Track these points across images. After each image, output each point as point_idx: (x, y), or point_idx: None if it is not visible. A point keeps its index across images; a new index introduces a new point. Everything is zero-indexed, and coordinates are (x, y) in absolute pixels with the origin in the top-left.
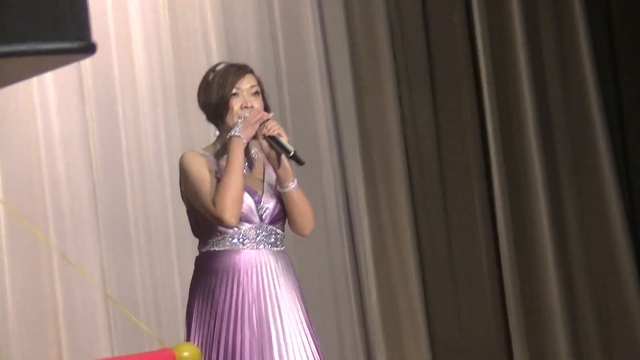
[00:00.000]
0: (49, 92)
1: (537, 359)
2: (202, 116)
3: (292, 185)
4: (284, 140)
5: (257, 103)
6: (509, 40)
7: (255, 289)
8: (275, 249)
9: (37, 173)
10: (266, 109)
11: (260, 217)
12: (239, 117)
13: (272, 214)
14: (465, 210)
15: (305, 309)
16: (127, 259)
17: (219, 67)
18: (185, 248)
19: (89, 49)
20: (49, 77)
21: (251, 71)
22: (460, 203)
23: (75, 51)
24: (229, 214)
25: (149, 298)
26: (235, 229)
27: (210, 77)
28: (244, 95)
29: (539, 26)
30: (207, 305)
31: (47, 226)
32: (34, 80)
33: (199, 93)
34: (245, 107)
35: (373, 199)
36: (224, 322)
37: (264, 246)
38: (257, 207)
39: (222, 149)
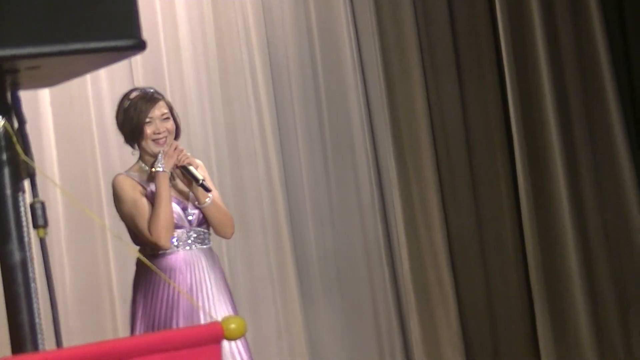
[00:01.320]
0: (102, 85)
1: (558, 321)
2: (243, 104)
3: (207, 202)
4: (193, 169)
5: (168, 127)
6: (529, 27)
7: (188, 284)
8: (204, 246)
9: (92, 162)
10: (177, 129)
11: (189, 222)
12: (159, 152)
13: (198, 218)
14: (489, 185)
15: (232, 300)
16: None
17: (132, 95)
18: (238, 237)
19: (140, 46)
20: (102, 71)
21: (162, 98)
22: (485, 179)
23: (127, 49)
24: (163, 240)
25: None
26: None
27: (126, 105)
28: (156, 123)
29: (557, 13)
30: (148, 300)
31: (102, 210)
32: (88, 74)
33: (117, 116)
34: (157, 132)
35: (403, 177)
36: (162, 313)
37: (195, 246)
38: (185, 213)
39: (146, 170)
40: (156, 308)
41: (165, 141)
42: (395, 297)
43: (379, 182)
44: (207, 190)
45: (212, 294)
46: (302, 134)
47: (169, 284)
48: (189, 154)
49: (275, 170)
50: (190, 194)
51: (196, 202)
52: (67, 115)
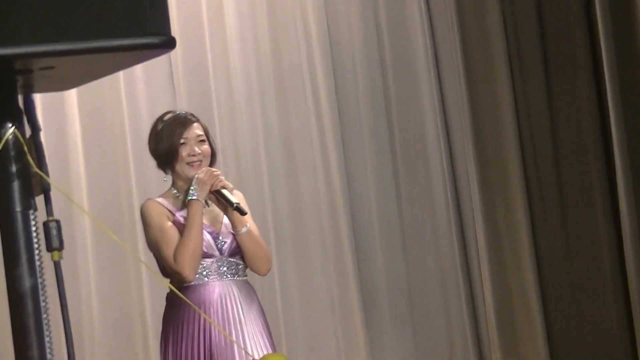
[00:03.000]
0: (137, 85)
1: None
2: (301, 108)
3: (243, 230)
4: (227, 193)
5: (204, 150)
6: (634, 17)
7: (220, 318)
8: (237, 278)
9: (124, 172)
10: (213, 153)
11: (220, 250)
12: (193, 176)
13: (230, 247)
14: (585, 206)
15: (271, 336)
16: None
17: (166, 117)
18: (284, 248)
19: (169, 44)
20: (137, 70)
21: (197, 120)
22: (580, 198)
23: (153, 47)
24: (187, 270)
25: None
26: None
27: (159, 127)
28: (191, 144)
29: None
30: (179, 336)
31: (135, 228)
32: (121, 74)
33: (149, 141)
34: (193, 154)
35: (486, 195)
36: (193, 350)
37: (227, 277)
38: (215, 242)
39: (179, 197)
40: (187, 344)
41: (200, 165)
42: (474, 334)
43: (457, 202)
44: (242, 213)
45: (247, 329)
46: (368, 143)
47: (201, 318)
48: (223, 177)
49: (338, 185)
50: (225, 222)
51: (231, 230)
52: (97, 121)
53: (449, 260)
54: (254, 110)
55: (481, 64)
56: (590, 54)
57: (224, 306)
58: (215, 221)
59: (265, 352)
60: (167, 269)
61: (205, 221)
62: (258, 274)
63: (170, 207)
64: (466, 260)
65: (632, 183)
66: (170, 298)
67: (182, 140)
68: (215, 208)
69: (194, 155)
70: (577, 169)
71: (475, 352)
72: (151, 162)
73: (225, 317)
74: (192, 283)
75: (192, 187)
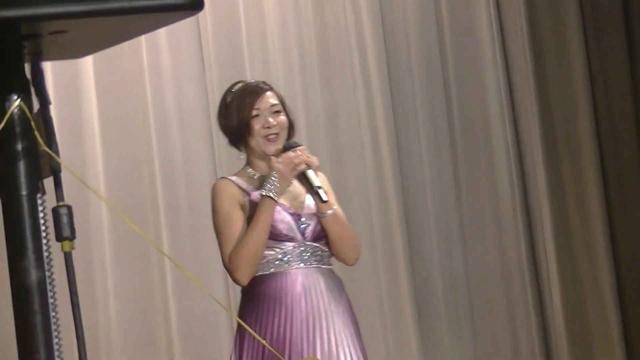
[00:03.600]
0: (162, 57)
1: None
2: (349, 85)
3: (329, 213)
4: (311, 173)
5: (280, 121)
6: None
7: (303, 312)
8: (323, 266)
9: (147, 155)
10: (291, 125)
11: (302, 234)
12: (273, 152)
13: (314, 231)
14: None
15: (360, 337)
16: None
17: (235, 88)
18: None
19: (196, 4)
20: (162, 39)
21: (270, 88)
22: None
23: (177, 8)
24: (239, 273)
25: None
26: (277, 249)
27: (228, 100)
28: (265, 116)
29: None
30: (256, 332)
31: (158, 218)
32: (143, 42)
33: (219, 116)
34: (268, 127)
35: (556, 183)
36: (273, 347)
37: (311, 264)
38: (297, 224)
39: (255, 177)
40: (267, 342)
41: (277, 138)
42: (542, 339)
43: (523, 190)
44: (321, 200)
45: (334, 326)
46: (424, 124)
47: (281, 313)
48: (308, 153)
49: (388, 170)
50: (307, 202)
51: (316, 212)
52: (116, 96)
53: (513, 256)
54: (294, 86)
55: (550, 35)
56: None
57: (308, 298)
58: (296, 201)
59: (352, 355)
60: (223, 264)
61: (284, 201)
62: (345, 263)
63: (245, 186)
64: (533, 255)
65: None
66: (246, 291)
67: (254, 112)
68: (296, 186)
69: (269, 128)
70: None
71: (542, 357)
72: (177, 143)
73: (310, 310)
74: (271, 270)
75: (270, 179)
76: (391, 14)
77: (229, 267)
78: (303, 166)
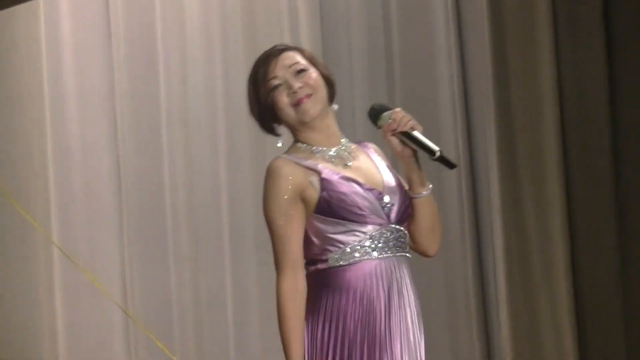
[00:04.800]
0: (62, 27)
1: None
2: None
3: (424, 193)
4: (422, 136)
5: (307, 80)
6: None
7: (384, 306)
8: (405, 254)
9: (38, 143)
10: (329, 82)
11: (387, 215)
12: (307, 117)
13: (399, 211)
14: None
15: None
16: (159, 264)
17: (253, 67)
18: (243, 251)
19: None
20: (63, 6)
21: (286, 49)
22: (638, 200)
23: None
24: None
25: (188, 320)
26: (360, 233)
27: (248, 84)
28: (286, 81)
29: None
30: (334, 331)
31: (49, 214)
32: (41, 8)
33: (248, 104)
34: (293, 92)
35: (511, 194)
36: (356, 352)
37: (394, 251)
38: (380, 204)
39: (314, 151)
40: (349, 345)
41: (309, 98)
42: None
43: (474, 200)
44: (451, 165)
45: (417, 325)
46: (362, 120)
47: (363, 308)
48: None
49: None
50: (386, 179)
51: (408, 190)
52: (7, 68)
53: (459, 275)
54: (214, 69)
55: (514, 18)
56: None
57: (392, 291)
58: (370, 177)
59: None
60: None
61: (358, 177)
62: (425, 254)
63: (309, 162)
64: (481, 275)
65: None
66: (316, 279)
67: (273, 83)
68: (362, 162)
69: (294, 93)
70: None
71: None
72: (74, 125)
73: (394, 305)
74: (353, 260)
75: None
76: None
77: (277, 276)
78: (410, 124)
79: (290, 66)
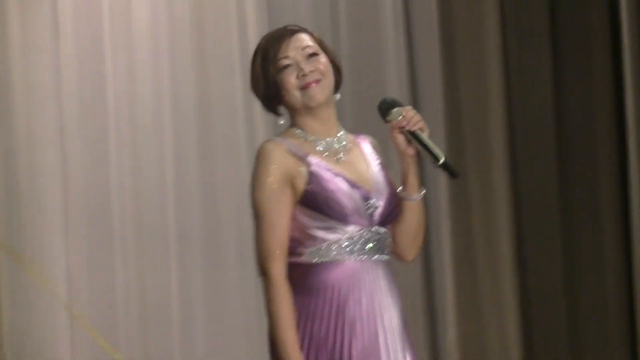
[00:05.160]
0: (9, 28)
1: None
2: (224, 70)
3: (416, 197)
4: (429, 140)
5: (318, 65)
6: None
7: (363, 312)
8: (384, 257)
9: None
10: (337, 69)
11: (370, 216)
12: (315, 103)
13: (383, 213)
14: (590, 214)
15: (412, 348)
16: (105, 263)
17: (259, 42)
18: (189, 251)
19: None
20: (11, 8)
21: (300, 30)
22: (584, 205)
23: None
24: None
25: (134, 320)
26: (341, 232)
27: (254, 60)
28: (297, 62)
29: None
30: (301, 331)
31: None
32: None
33: (251, 80)
34: (303, 75)
35: (459, 195)
36: (344, 346)
37: (373, 254)
38: (365, 204)
39: (308, 139)
40: (319, 350)
41: (318, 83)
42: None
43: (421, 202)
44: (454, 174)
45: (396, 334)
46: None
47: (338, 314)
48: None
49: None
50: (373, 176)
51: (399, 191)
52: None
53: (406, 281)
54: (161, 67)
55: (464, 20)
56: (609, 19)
57: (369, 295)
58: (360, 174)
59: None
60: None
61: (347, 172)
62: (403, 259)
63: (300, 152)
64: (428, 280)
65: None
66: (297, 280)
67: (283, 62)
68: (354, 157)
69: (305, 76)
70: (585, 165)
71: None
72: (21, 125)
73: (369, 310)
74: (329, 258)
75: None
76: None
77: (262, 267)
78: (419, 125)
79: (302, 48)
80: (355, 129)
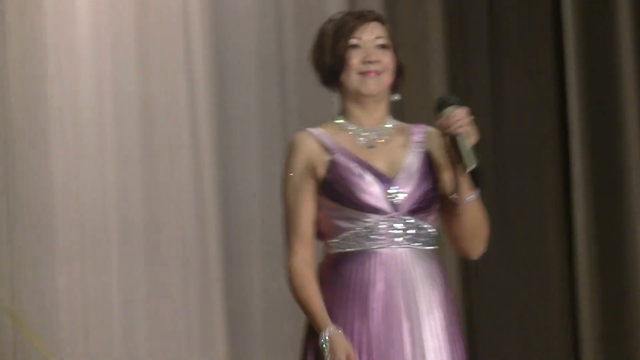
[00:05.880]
0: None
1: None
2: (168, 70)
3: (468, 199)
4: (467, 145)
5: (384, 58)
6: None
7: (386, 309)
8: (421, 247)
9: None
10: (400, 67)
11: (394, 205)
12: (368, 92)
13: (410, 202)
14: (532, 225)
15: (461, 340)
16: (47, 264)
17: (336, 16)
18: (131, 252)
19: None
20: None
21: (378, 18)
22: (525, 213)
23: None
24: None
25: (77, 319)
26: (359, 222)
27: (325, 29)
28: (366, 47)
29: None
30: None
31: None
32: None
33: (312, 49)
34: (369, 61)
35: None
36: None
37: (403, 244)
38: (385, 191)
39: (345, 128)
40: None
41: (377, 76)
42: None
43: None
44: (479, 184)
45: (427, 325)
46: (254, 123)
47: (358, 307)
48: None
49: (209, 175)
50: (407, 164)
51: (451, 195)
52: None
53: None
54: (104, 66)
55: (408, 28)
56: (554, 34)
57: (389, 290)
58: (390, 162)
59: None
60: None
61: (374, 160)
62: (468, 257)
63: (330, 142)
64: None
65: (593, 201)
66: (323, 270)
67: (352, 41)
68: (392, 146)
69: (369, 63)
70: (524, 172)
71: None
72: None
73: (392, 299)
74: (349, 249)
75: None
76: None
77: (287, 260)
78: (462, 129)
79: (377, 37)
80: (299, 126)
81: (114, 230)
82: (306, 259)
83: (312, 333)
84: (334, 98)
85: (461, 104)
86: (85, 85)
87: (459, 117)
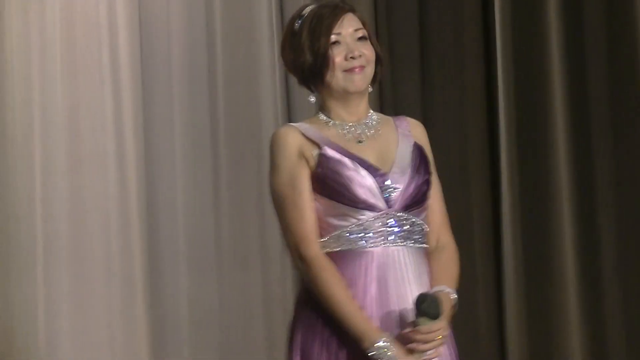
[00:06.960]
0: None
1: None
2: (94, 79)
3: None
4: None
5: (366, 51)
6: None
7: (377, 303)
8: (414, 244)
9: None
10: (377, 59)
11: (387, 201)
12: (355, 90)
13: (404, 197)
14: (464, 233)
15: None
16: None
17: (306, 11)
18: (55, 265)
19: None
20: None
21: (352, 10)
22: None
23: None
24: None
25: (0, 332)
26: (352, 219)
27: (297, 27)
28: (347, 42)
29: None
30: (312, 337)
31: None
32: None
33: (283, 49)
34: (352, 57)
35: None
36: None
37: (395, 241)
38: (381, 187)
39: (330, 124)
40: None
41: (361, 71)
42: None
43: None
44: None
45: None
46: (181, 132)
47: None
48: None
49: (134, 184)
50: (398, 157)
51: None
52: None
53: (278, 291)
54: (30, 76)
55: None
56: (480, 26)
57: (384, 288)
58: (382, 156)
59: None
60: (287, 244)
61: (365, 154)
62: None
63: (315, 135)
64: None
65: (520, 206)
66: (301, 294)
67: (333, 38)
68: (381, 139)
69: (353, 59)
70: (454, 178)
71: None
72: None
73: (386, 301)
74: (341, 248)
75: (381, 347)
76: (151, 5)
77: (298, 255)
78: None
79: (356, 30)
80: (231, 140)
81: (39, 242)
82: (321, 250)
83: (298, 333)
84: (312, 97)
85: (438, 316)
86: (12, 96)
87: (430, 338)
